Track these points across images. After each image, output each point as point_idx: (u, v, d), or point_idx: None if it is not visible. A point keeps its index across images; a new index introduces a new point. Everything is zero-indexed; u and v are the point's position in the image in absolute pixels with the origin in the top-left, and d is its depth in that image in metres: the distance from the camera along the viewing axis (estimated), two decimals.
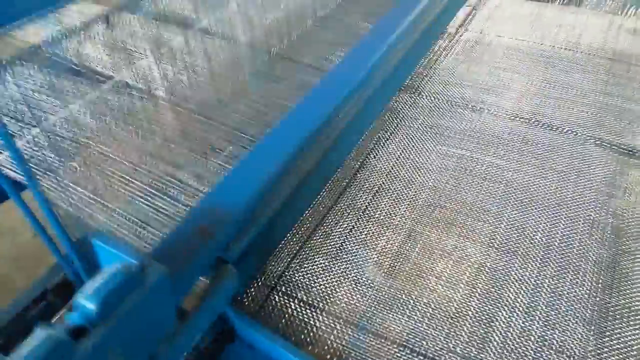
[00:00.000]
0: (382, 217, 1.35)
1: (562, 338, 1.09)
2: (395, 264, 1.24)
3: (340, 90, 1.33)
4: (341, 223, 1.34)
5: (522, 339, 1.09)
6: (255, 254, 1.16)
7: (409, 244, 1.28)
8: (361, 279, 1.21)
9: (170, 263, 0.81)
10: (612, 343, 1.09)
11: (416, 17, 1.63)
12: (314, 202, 1.39)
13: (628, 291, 1.18)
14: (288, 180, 1.19)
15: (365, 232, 1.31)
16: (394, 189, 1.43)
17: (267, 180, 1.07)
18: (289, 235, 1.30)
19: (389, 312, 1.14)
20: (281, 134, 1.21)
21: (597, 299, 1.16)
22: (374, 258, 1.25)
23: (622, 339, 1.09)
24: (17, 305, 1.69)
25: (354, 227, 1.33)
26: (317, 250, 1.27)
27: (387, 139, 1.60)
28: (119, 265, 0.69)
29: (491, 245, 1.28)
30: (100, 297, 0.65)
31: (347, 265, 1.24)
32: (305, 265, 1.24)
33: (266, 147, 1.17)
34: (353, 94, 1.36)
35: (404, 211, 1.37)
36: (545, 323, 1.11)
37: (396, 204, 1.39)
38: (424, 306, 1.15)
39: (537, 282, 1.19)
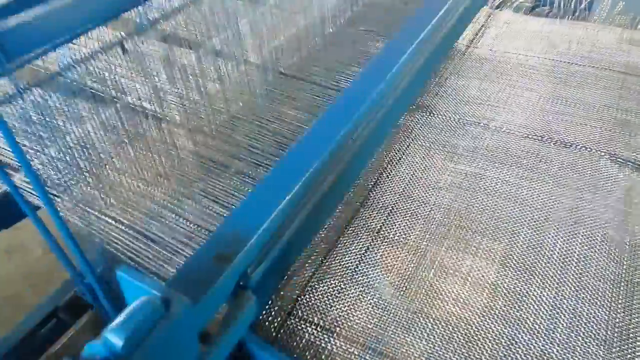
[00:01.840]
0: (396, 238, 1.35)
1: None
2: (412, 285, 1.23)
3: (354, 111, 1.34)
4: (356, 244, 1.34)
5: None
6: (272, 278, 1.17)
7: (425, 265, 1.28)
8: (377, 302, 1.20)
9: (190, 292, 0.82)
10: None
11: (427, 35, 1.64)
12: (328, 224, 1.38)
13: None
14: (304, 203, 1.19)
15: (380, 253, 1.31)
16: (408, 208, 1.43)
17: (285, 204, 1.07)
18: (303, 257, 1.30)
19: (406, 335, 1.14)
20: (297, 156, 1.21)
21: (617, 320, 1.15)
22: (389, 280, 1.25)
23: None
24: (28, 322, 1.70)
25: (368, 248, 1.32)
26: (333, 272, 1.27)
27: (400, 159, 1.60)
28: (144, 299, 0.69)
29: (507, 265, 1.27)
30: (126, 332, 0.65)
31: (363, 288, 1.23)
32: (321, 288, 1.23)
33: (283, 171, 1.17)
34: (367, 114, 1.37)
35: (419, 231, 1.37)
36: (565, 346, 1.10)
37: (411, 224, 1.39)
38: (442, 329, 1.14)
39: (556, 302, 1.18)
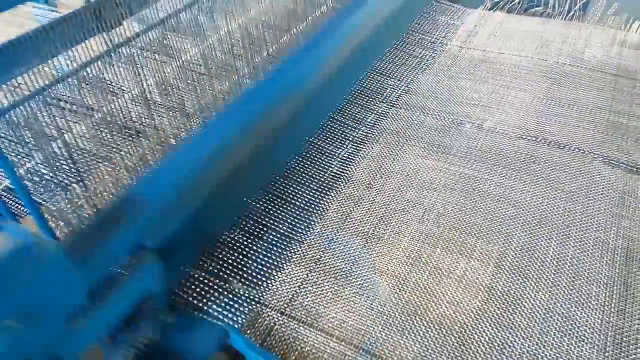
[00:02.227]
0: (390, 240, 1.34)
1: None
2: (406, 287, 1.23)
3: (272, 89, 1.45)
4: (350, 245, 1.33)
5: None
6: (188, 243, 1.22)
7: (419, 267, 1.27)
8: (371, 304, 1.19)
9: (82, 248, 0.94)
10: None
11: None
12: (320, 224, 1.37)
13: None
14: (215, 173, 1.25)
15: (375, 255, 1.30)
16: (402, 210, 1.42)
17: (188, 172, 1.17)
18: (297, 258, 1.29)
19: (400, 337, 1.13)
20: (209, 130, 1.30)
21: (610, 323, 1.15)
22: (383, 282, 1.24)
23: None
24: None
25: (362, 250, 1.31)
26: (327, 274, 1.26)
27: (394, 160, 1.59)
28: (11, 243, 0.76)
29: (501, 267, 1.27)
30: None
31: (357, 290, 1.22)
32: (315, 290, 1.22)
33: (191, 144, 1.25)
34: (284, 98, 1.47)
35: (413, 233, 1.36)
36: (558, 349, 1.10)
37: (405, 226, 1.38)
38: (436, 331, 1.14)
39: (549, 306, 1.18)
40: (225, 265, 1.27)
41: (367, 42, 1.88)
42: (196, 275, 1.24)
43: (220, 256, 1.29)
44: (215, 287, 1.22)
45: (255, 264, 1.27)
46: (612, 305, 1.18)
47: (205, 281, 1.23)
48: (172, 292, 1.20)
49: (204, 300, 1.19)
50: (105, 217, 1.03)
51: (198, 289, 1.22)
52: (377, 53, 2.03)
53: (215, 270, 1.26)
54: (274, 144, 1.47)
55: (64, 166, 1.08)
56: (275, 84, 1.48)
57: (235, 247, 1.31)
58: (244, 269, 1.26)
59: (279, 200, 1.44)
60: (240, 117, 1.36)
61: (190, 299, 1.20)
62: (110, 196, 1.11)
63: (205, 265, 1.27)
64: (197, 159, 1.23)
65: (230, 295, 1.21)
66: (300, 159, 1.57)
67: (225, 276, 1.25)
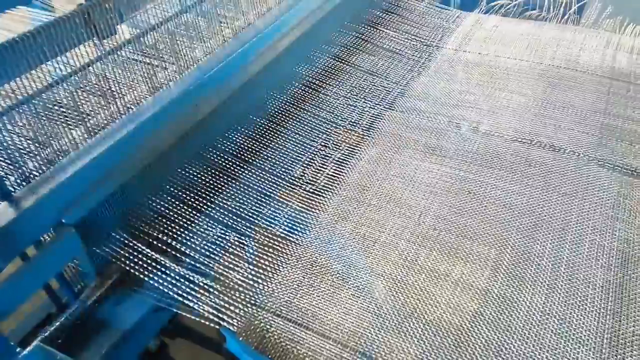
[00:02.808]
0: (387, 242, 1.34)
1: None
2: (402, 290, 1.23)
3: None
4: (346, 249, 1.33)
5: None
6: (109, 219, 1.27)
7: (415, 270, 1.27)
8: (368, 307, 1.19)
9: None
10: None
11: None
12: (316, 226, 1.37)
13: (638, 317, 1.17)
14: (135, 155, 1.31)
15: (371, 258, 1.30)
16: (398, 213, 1.42)
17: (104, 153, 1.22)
18: (294, 261, 1.29)
19: (396, 340, 1.13)
20: (131, 117, 1.33)
21: (606, 325, 1.15)
22: (380, 285, 1.24)
23: None
24: (22, 329, 1.68)
25: (359, 254, 1.31)
26: (323, 277, 1.26)
27: (390, 162, 1.59)
28: None
29: (497, 270, 1.27)
30: None
31: (354, 292, 1.22)
32: (311, 292, 1.22)
33: (115, 128, 1.29)
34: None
35: (409, 236, 1.36)
36: (555, 351, 1.10)
37: (401, 229, 1.38)
38: (433, 334, 1.14)
39: (545, 308, 1.18)
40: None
41: None
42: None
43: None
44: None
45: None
46: (608, 307, 1.19)
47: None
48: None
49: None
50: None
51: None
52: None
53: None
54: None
55: None
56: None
57: None
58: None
59: (274, 201, 1.44)
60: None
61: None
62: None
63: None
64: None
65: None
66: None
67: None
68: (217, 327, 1.14)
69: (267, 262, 1.28)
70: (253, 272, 1.25)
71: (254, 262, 1.28)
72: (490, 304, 1.19)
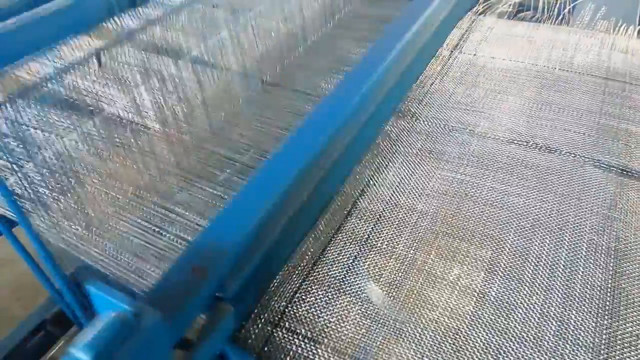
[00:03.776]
0: (384, 246, 1.34)
1: None
2: (400, 295, 1.22)
3: (334, 119, 1.33)
4: (343, 254, 1.32)
5: None
6: (252, 289, 1.15)
7: (413, 274, 1.27)
8: (365, 312, 1.19)
9: (165, 306, 0.82)
10: None
11: (408, 42, 1.64)
12: (316, 234, 1.37)
13: (635, 317, 1.16)
14: (283, 214, 1.17)
15: (369, 263, 1.30)
16: (395, 216, 1.42)
17: (262, 216, 1.06)
18: (290, 267, 1.28)
19: (394, 346, 1.12)
20: (275, 166, 1.21)
21: (605, 326, 1.14)
22: (378, 289, 1.23)
23: None
24: (16, 335, 1.67)
25: (356, 258, 1.31)
26: (320, 283, 1.25)
27: (386, 166, 1.59)
28: (113, 314, 0.68)
29: (495, 272, 1.26)
30: (94, 349, 0.63)
31: (351, 298, 1.22)
32: (309, 299, 1.21)
33: (261, 181, 1.16)
34: (347, 122, 1.36)
35: (406, 239, 1.35)
36: (553, 353, 1.09)
37: (398, 232, 1.37)
38: (430, 339, 1.13)
39: (543, 310, 1.18)
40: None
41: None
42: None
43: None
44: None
45: None
46: (606, 307, 1.18)
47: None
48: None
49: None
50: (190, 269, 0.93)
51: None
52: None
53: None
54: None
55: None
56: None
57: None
58: None
59: None
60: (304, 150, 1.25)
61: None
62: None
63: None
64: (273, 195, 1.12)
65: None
66: None
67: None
68: None
69: None
70: None
71: None
72: (487, 306, 1.19)
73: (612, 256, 1.30)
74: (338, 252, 1.33)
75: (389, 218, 1.41)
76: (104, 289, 0.74)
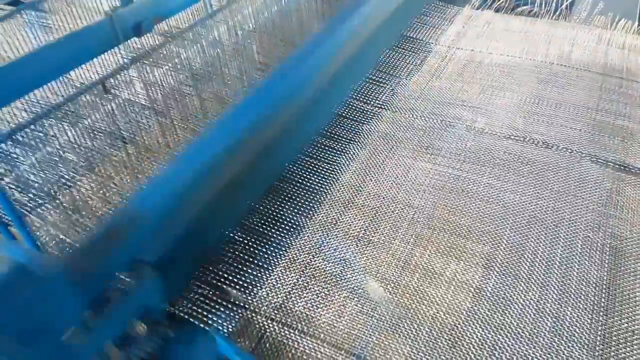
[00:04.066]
0: (381, 242, 1.34)
1: None
2: (397, 290, 1.23)
3: (268, 98, 1.42)
4: (340, 249, 1.32)
5: None
6: (184, 257, 1.20)
7: (409, 269, 1.27)
8: (362, 308, 1.19)
9: (74, 264, 0.92)
10: None
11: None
12: (310, 228, 1.37)
13: (630, 313, 1.17)
14: (208, 185, 1.23)
15: (365, 258, 1.30)
16: (392, 211, 1.42)
17: (182, 184, 1.14)
18: (287, 263, 1.28)
19: (391, 341, 1.13)
20: (203, 141, 1.29)
21: (600, 322, 1.15)
22: (374, 285, 1.24)
23: None
24: None
25: (353, 253, 1.31)
26: (317, 278, 1.25)
27: (384, 162, 1.59)
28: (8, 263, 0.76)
29: (491, 268, 1.27)
30: None
31: (348, 294, 1.22)
32: (305, 294, 1.22)
33: (187, 153, 1.25)
34: (286, 99, 1.45)
35: (403, 235, 1.36)
36: (549, 349, 1.10)
37: (395, 228, 1.38)
38: (427, 334, 1.14)
39: (539, 306, 1.18)
40: (222, 275, 1.25)
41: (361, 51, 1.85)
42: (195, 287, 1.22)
43: (217, 267, 1.27)
44: (215, 298, 1.20)
45: (251, 272, 1.27)
46: (601, 304, 1.19)
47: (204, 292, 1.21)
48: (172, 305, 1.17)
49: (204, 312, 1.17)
50: (103, 232, 1.02)
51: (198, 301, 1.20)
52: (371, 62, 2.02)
53: (214, 282, 1.24)
54: (265, 155, 1.44)
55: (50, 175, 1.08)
56: (268, 93, 1.46)
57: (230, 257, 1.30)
58: (242, 278, 1.25)
59: (267, 211, 1.43)
60: (232, 129, 1.34)
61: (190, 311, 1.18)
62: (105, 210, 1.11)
63: (203, 277, 1.25)
64: (193, 170, 1.20)
65: (229, 305, 1.19)
66: (289, 164, 1.56)
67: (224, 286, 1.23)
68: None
69: None
70: None
71: None
72: (483, 302, 1.19)
73: (608, 252, 1.30)
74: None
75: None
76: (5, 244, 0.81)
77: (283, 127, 1.45)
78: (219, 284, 1.23)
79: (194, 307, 1.17)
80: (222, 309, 1.17)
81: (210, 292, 1.21)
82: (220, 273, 1.25)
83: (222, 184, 1.26)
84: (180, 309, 1.16)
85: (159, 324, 1.11)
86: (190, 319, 1.15)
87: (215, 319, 1.15)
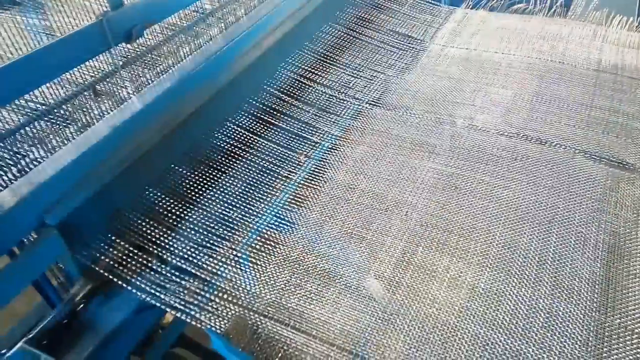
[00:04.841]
0: (374, 239, 1.34)
1: None
2: (389, 287, 1.22)
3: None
4: (334, 246, 1.32)
5: None
6: (94, 219, 1.26)
7: (402, 266, 1.27)
8: (355, 304, 1.19)
9: None
10: None
11: None
12: (303, 225, 1.37)
13: (623, 310, 1.17)
14: (114, 155, 1.30)
15: (358, 255, 1.30)
16: (385, 209, 1.42)
17: (85, 154, 1.22)
18: (280, 260, 1.28)
19: (383, 337, 1.12)
20: (121, 117, 1.34)
21: (593, 318, 1.15)
22: (367, 282, 1.23)
23: None
24: (17, 331, 1.66)
25: (346, 250, 1.31)
26: (310, 275, 1.25)
27: (377, 159, 1.58)
28: None
29: (484, 265, 1.27)
30: None
31: (341, 290, 1.22)
32: (299, 291, 1.21)
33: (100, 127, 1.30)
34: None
35: (396, 232, 1.35)
36: (541, 345, 1.10)
37: (388, 225, 1.37)
38: (419, 330, 1.13)
39: (532, 302, 1.18)
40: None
41: None
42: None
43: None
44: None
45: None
46: (595, 299, 1.19)
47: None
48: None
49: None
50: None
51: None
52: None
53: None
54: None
55: None
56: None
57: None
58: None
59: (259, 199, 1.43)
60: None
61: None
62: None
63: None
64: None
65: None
66: (281, 160, 1.56)
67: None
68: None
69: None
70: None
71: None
72: (477, 299, 1.19)
73: (601, 248, 1.30)
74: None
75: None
76: None
77: None
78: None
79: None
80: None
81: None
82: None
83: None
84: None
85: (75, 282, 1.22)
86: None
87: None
